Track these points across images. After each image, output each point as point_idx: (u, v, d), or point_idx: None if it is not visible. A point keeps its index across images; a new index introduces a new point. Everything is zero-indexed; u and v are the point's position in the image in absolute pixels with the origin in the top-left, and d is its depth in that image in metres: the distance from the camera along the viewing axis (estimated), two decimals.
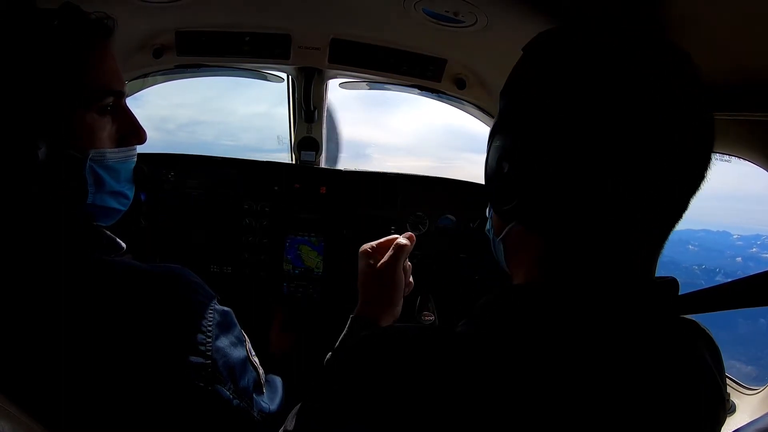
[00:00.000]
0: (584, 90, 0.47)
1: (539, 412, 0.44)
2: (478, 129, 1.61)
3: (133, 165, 0.74)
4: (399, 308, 0.88)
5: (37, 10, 0.63)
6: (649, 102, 0.46)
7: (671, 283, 0.52)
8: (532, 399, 0.45)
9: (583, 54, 0.49)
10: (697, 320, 0.55)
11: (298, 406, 0.67)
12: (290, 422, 0.65)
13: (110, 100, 0.67)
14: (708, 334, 0.55)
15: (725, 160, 0.94)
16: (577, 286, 0.50)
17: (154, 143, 0.75)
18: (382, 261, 0.87)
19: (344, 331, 0.85)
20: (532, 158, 0.49)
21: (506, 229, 0.57)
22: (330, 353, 0.79)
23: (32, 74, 0.61)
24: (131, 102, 0.73)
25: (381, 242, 0.89)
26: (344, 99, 1.65)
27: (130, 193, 0.74)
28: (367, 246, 0.90)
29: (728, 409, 1.08)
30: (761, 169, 0.92)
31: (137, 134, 0.72)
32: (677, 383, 0.49)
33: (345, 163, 1.73)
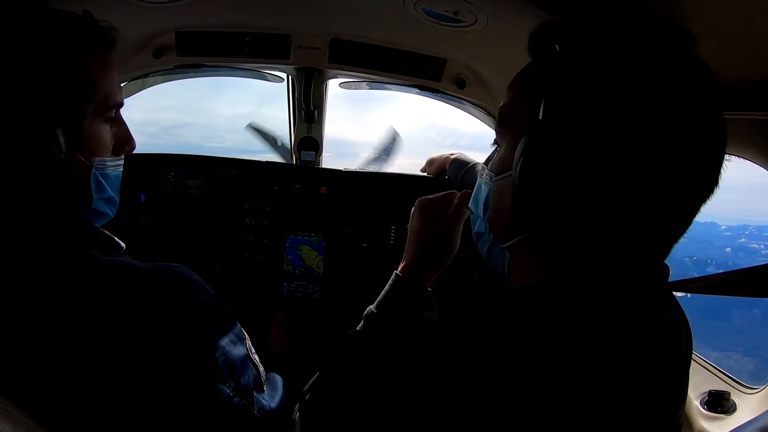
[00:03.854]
0: (625, 91, 0.46)
1: (537, 411, 0.45)
2: (474, 128, 1.62)
3: (121, 173, 0.76)
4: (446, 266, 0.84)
5: (52, 19, 0.64)
6: (670, 104, 0.46)
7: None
8: (531, 400, 0.45)
9: (608, 57, 0.48)
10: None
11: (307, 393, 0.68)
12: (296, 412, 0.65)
13: (113, 110, 0.70)
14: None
15: (725, 160, 0.94)
16: (584, 289, 0.50)
17: (138, 147, 0.78)
18: (450, 213, 0.81)
19: (386, 288, 0.79)
20: (572, 173, 0.47)
21: (515, 240, 0.55)
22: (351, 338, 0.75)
23: (50, 83, 0.62)
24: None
25: (439, 197, 0.83)
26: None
27: (118, 200, 0.77)
28: (425, 199, 0.83)
29: (728, 408, 1.09)
30: (746, 160, 0.92)
31: (129, 143, 0.75)
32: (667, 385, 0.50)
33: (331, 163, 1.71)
